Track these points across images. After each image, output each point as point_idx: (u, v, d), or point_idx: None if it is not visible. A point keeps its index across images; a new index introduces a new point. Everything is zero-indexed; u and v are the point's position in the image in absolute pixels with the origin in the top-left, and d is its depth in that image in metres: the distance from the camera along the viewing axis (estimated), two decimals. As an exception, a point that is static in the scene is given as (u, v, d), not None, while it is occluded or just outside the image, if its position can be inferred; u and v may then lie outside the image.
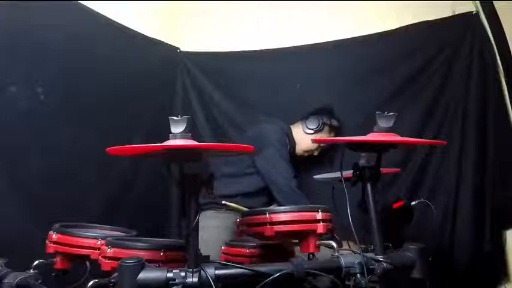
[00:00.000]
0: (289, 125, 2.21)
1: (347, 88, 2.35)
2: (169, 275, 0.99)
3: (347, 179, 1.19)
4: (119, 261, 1.00)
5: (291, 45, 2.46)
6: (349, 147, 1.17)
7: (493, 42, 2.03)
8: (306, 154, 2.22)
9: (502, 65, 2.02)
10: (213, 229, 1.82)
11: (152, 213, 2.20)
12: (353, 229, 1.12)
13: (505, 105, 2.02)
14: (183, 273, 0.99)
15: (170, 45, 2.56)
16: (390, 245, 1.26)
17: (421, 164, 2.14)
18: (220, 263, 1.14)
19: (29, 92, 1.71)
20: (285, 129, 2.15)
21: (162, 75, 2.48)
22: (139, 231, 1.45)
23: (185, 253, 1.06)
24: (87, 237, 1.31)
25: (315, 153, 2.22)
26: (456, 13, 2.16)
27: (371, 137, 1.12)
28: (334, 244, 1.19)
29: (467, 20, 2.11)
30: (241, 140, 2.24)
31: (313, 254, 1.26)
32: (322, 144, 2.19)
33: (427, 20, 2.17)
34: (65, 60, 1.83)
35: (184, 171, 1.03)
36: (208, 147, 1.19)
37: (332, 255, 1.15)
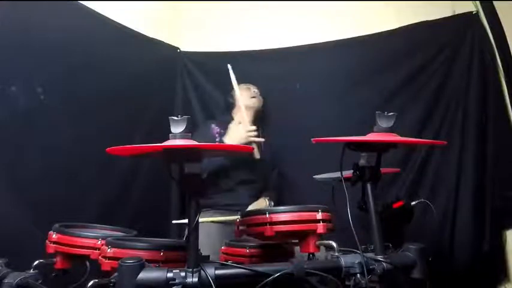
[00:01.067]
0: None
1: (347, 88, 2.35)
2: (169, 275, 0.99)
3: (347, 179, 1.19)
4: (119, 261, 1.00)
5: (291, 45, 2.46)
6: (349, 147, 1.17)
7: (493, 42, 2.03)
8: (253, 105, 2.21)
9: (502, 65, 2.02)
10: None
11: (152, 213, 2.20)
12: (353, 229, 1.12)
13: (505, 105, 2.02)
14: (183, 273, 0.99)
15: (170, 45, 2.56)
16: (390, 245, 1.25)
17: (421, 164, 2.15)
18: (220, 263, 1.14)
19: (29, 91, 1.71)
20: (215, 121, 2.18)
21: (162, 75, 2.47)
22: (139, 231, 1.45)
23: (185, 253, 1.06)
24: (87, 237, 1.31)
25: (257, 102, 2.22)
26: (456, 13, 2.16)
27: (371, 137, 1.12)
28: (334, 244, 1.18)
29: (467, 20, 2.12)
30: None
31: (313, 254, 1.26)
32: (256, 91, 2.22)
33: (427, 20, 2.17)
34: (64, 60, 1.83)
35: (184, 171, 1.03)
36: (208, 147, 1.19)
37: (332, 255, 1.15)
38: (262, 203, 2.08)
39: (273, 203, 2.11)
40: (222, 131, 2.11)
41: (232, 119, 2.22)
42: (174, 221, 2.00)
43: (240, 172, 2.08)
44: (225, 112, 2.30)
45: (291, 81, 2.43)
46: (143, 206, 2.18)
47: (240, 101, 2.19)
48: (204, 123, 2.22)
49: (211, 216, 1.95)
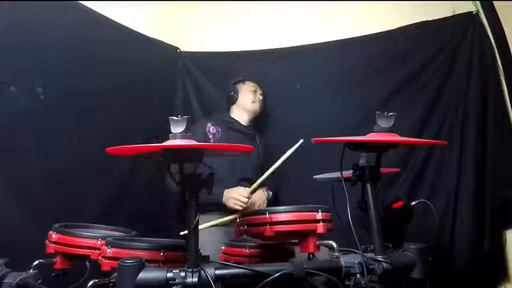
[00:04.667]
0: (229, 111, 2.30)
1: (347, 88, 2.35)
2: (169, 274, 0.99)
3: (347, 179, 1.19)
4: (119, 261, 1.00)
5: (291, 45, 2.46)
6: (349, 147, 1.17)
7: (493, 42, 2.03)
8: (253, 110, 2.26)
9: (502, 65, 2.02)
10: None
11: (152, 213, 2.20)
12: (353, 229, 1.12)
13: (505, 105, 2.02)
14: (183, 273, 0.99)
15: (170, 45, 2.56)
16: (390, 245, 1.25)
17: (421, 164, 2.14)
18: (220, 263, 1.14)
19: (29, 92, 1.71)
20: (213, 120, 2.18)
21: (162, 75, 2.47)
22: (138, 231, 1.45)
23: (185, 253, 1.05)
24: (87, 237, 1.31)
25: (257, 108, 2.26)
26: (456, 13, 2.16)
27: (371, 137, 1.12)
28: (334, 244, 1.18)
29: (467, 20, 2.11)
30: None
31: (313, 254, 1.26)
32: (260, 98, 2.26)
33: (427, 20, 2.17)
34: (65, 60, 1.83)
35: (184, 171, 1.03)
36: (208, 147, 1.19)
37: (332, 255, 1.15)
38: (261, 195, 2.07)
39: (271, 193, 2.12)
40: (217, 132, 2.12)
41: (229, 116, 2.24)
42: (181, 233, 1.85)
43: (236, 173, 2.07)
44: (223, 109, 2.31)
45: (291, 81, 2.43)
46: (143, 206, 2.18)
47: (240, 100, 2.23)
48: (201, 121, 2.21)
49: (208, 220, 1.90)
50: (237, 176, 2.08)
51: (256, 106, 2.28)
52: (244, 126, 2.25)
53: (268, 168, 2.13)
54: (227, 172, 2.04)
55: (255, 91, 2.29)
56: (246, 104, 2.26)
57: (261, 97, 2.30)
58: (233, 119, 2.24)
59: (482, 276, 1.99)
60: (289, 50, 2.46)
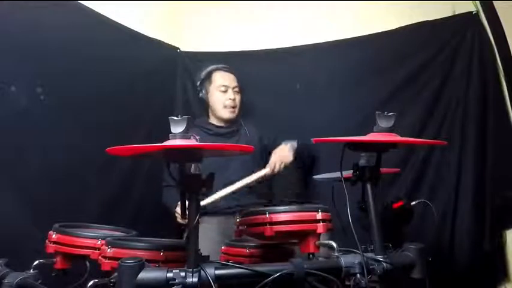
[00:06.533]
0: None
1: (347, 88, 2.35)
2: (169, 274, 0.99)
3: (347, 179, 1.19)
4: (119, 261, 1.00)
5: (291, 45, 2.46)
6: (349, 147, 1.16)
7: (493, 42, 2.03)
8: (226, 118, 2.12)
9: (502, 65, 2.02)
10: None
11: (152, 213, 2.20)
12: (353, 229, 1.12)
13: (505, 105, 2.02)
14: (182, 273, 0.99)
15: (170, 45, 2.56)
16: (390, 245, 1.25)
17: (421, 164, 2.14)
18: (220, 263, 1.14)
19: (29, 91, 1.71)
20: (195, 128, 2.08)
21: (162, 75, 2.48)
22: (139, 231, 1.45)
23: (185, 253, 1.06)
24: (87, 237, 1.31)
25: (230, 115, 2.11)
26: (456, 13, 2.16)
27: (371, 137, 1.12)
28: (334, 244, 1.18)
29: (467, 20, 2.12)
30: None
31: (313, 254, 1.26)
32: (233, 97, 2.10)
33: (427, 20, 2.17)
34: (65, 60, 1.83)
35: (185, 172, 1.03)
36: (208, 147, 1.19)
37: (332, 255, 1.15)
38: (282, 150, 1.94)
39: (295, 143, 1.96)
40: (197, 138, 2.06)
41: (207, 121, 2.17)
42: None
43: (230, 173, 2.00)
44: (203, 113, 2.24)
45: (291, 81, 2.43)
46: (143, 206, 2.18)
47: (211, 103, 2.12)
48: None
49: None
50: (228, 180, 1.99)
51: (227, 113, 2.09)
52: (223, 127, 2.16)
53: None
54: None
55: (226, 91, 2.10)
56: (216, 110, 2.12)
57: (234, 94, 2.10)
58: (210, 123, 2.16)
59: (482, 276, 1.99)
60: (289, 50, 2.46)
